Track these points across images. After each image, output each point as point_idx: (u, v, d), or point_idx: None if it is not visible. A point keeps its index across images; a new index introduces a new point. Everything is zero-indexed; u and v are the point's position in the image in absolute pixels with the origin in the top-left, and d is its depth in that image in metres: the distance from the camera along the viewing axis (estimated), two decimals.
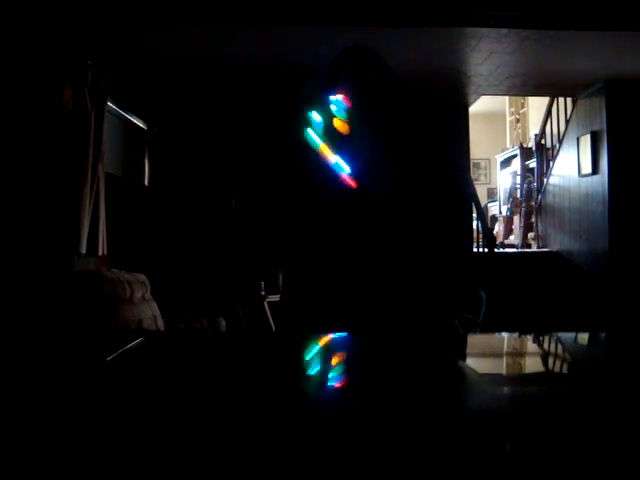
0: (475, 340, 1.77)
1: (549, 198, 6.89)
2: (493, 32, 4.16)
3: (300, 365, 1.25)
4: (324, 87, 1.82)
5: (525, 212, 7.59)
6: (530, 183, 7.56)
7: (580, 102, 6.00)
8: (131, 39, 4.30)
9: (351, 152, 1.81)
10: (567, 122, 6.33)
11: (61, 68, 3.86)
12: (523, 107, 8.97)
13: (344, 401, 0.92)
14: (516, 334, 1.76)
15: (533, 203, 7.33)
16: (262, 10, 3.74)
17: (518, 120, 9.16)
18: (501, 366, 1.29)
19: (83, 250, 3.90)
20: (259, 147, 6.00)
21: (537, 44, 4.38)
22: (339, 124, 1.85)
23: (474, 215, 6.50)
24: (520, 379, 1.14)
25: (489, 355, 1.38)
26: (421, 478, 0.62)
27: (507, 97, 8.91)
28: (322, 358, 1.34)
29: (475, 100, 6.20)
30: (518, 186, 7.98)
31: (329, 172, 1.88)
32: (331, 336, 1.67)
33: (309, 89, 1.93)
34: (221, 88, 5.65)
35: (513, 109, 9.32)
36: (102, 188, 4.12)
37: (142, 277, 4.16)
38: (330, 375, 1.17)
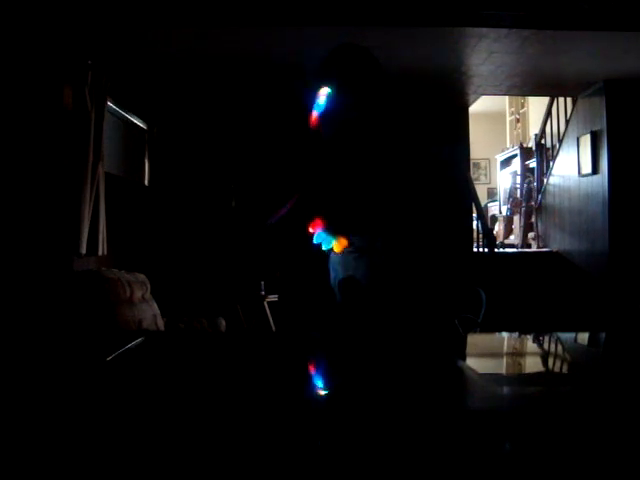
0: (475, 340, 1.77)
1: (549, 198, 6.89)
2: (493, 32, 4.16)
3: (300, 365, 1.25)
4: (316, 85, 1.83)
5: (525, 212, 7.59)
6: (530, 183, 7.56)
7: (580, 102, 6.00)
8: (131, 39, 4.30)
9: (346, 150, 1.81)
10: (567, 122, 6.33)
11: (61, 68, 3.86)
12: (523, 107, 8.97)
13: (346, 400, 0.92)
14: (516, 334, 1.76)
15: (533, 203, 7.33)
16: (262, 10, 3.74)
17: (518, 120, 9.16)
18: (501, 366, 1.29)
19: (83, 250, 3.90)
20: (259, 147, 6.00)
21: (537, 44, 4.37)
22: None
23: (474, 215, 6.50)
24: (520, 379, 1.14)
25: (489, 355, 1.38)
26: (421, 478, 0.62)
27: (507, 97, 8.91)
28: (322, 358, 1.34)
29: (475, 100, 6.20)
30: (518, 186, 7.98)
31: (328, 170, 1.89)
32: (331, 336, 1.67)
33: (308, 88, 1.93)
34: (221, 88, 5.65)
35: (513, 109, 9.32)
36: (102, 188, 4.12)
37: (142, 277, 4.15)
38: (330, 375, 1.17)
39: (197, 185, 6.05)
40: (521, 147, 8.02)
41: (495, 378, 1.13)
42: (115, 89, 4.52)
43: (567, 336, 1.59)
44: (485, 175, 10.57)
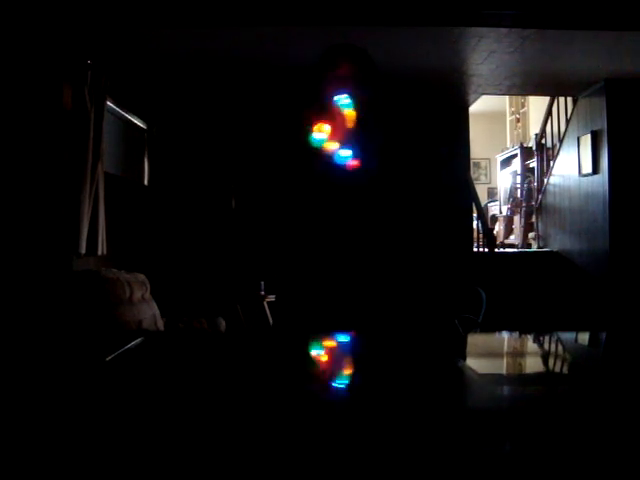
0: (475, 340, 1.77)
1: (549, 198, 6.89)
2: (493, 32, 4.16)
3: (301, 365, 1.24)
4: (312, 85, 1.83)
5: (525, 212, 7.59)
6: (530, 183, 7.56)
7: (580, 102, 6.00)
8: (131, 39, 4.29)
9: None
10: (567, 122, 6.32)
11: (61, 68, 3.86)
12: (523, 107, 8.97)
13: (346, 400, 0.91)
14: (516, 334, 1.76)
15: (533, 203, 7.32)
16: (262, 10, 3.73)
17: (518, 120, 9.16)
18: (501, 366, 1.29)
19: (82, 250, 3.89)
20: (259, 147, 6.00)
21: (537, 44, 4.37)
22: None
23: (474, 215, 6.50)
24: (520, 379, 1.14)
25: (489, 355, 1.38)
26: (422, 477, 0.62)
27: (507, 97, 8.91)
28: (324, 358, 1.34)
29: (475, 100, 6.20)
30: (518, 186, 7.98)
31: (328, 171, 1.89)
32: (332, 336, 1.67)
33: (307, 88, 1.93)
34: (221, 88, 5.65)
35: (513, 108, 9.32)
36: (102, 188, 4.12)
37: (142, 277, 4.15)
38: (332, 375, 1.16)
39: (197, 185, 6.05)
40: (521, 147, 8.02)
41: (495, 378, 1.12)
42: (115, 89, 4.51)
43: (567, 336, 1.59)
44: (485, 175, 10.56)
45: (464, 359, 1.35)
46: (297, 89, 4.90)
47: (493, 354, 1.40)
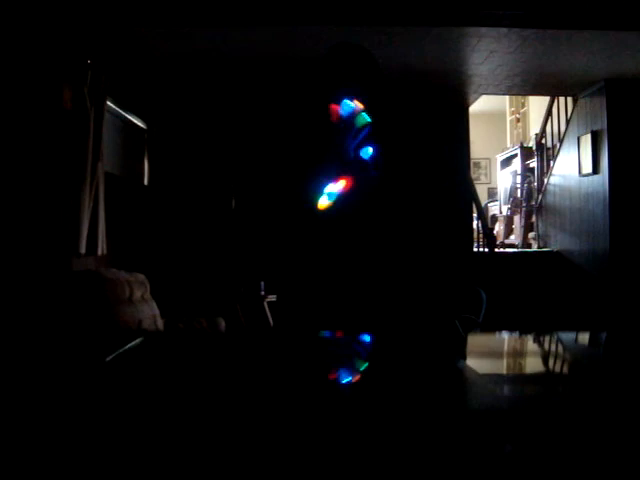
0: (475, 340, 1.77)
1: (549, 198, 6.89)
2: (493, 32, 4.16)
3: (301, 365, 1.24)
4: (313, 84, 1.83)
5: (525, 212, 7.59)
6: (530, 183, 7.56)
7: (581, 101, 6.00)
8: (131, 39, 4.29)
9: (343, 149, 1.82)
10: (567, 122, 6.32)
11: (60, 67, 3.86)
12: (523, 106, 8.97)
13: (346, 401, 0.91)
14: (516, 334, 1.76)
15: (533, 203, 7.33)
16: (262, 10, 3.73)
17: (518, 119, 9.16)
18: (501, 366, 1.29)
19: (82, 250, 3.89)
20: (259, 147, 6.00)
21: (537, 44, 4.37)
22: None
23: (474, 215, 6.50)
24: (520, 379, 1.14)
25: (489, 355, 1.38)
26: (422, 477, 0.62)
27: (507, 97, 8.91)
28: (323, 358, 1.33)
29: (475, 100, 6.20)
30: (518, 186, 7.98)
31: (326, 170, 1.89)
32: (332, 336, 1.67)
33: (308, 87, 1.93)
34: (221, 87, 5.65)
35: (513, 108, 9.32)
36: (101, 188, 4.12)
37: (142, 277, 4.15)
38: (332, 375, 1.16)
39: (197, 185, 6.05)
40: (521, 147, 8.02)
41: (495, 378, 1.12)
42: (114, 89, 4.51)
43: (567, 336, 1.59)
44: (485, 175, 10.57)
45: (464, 359, 1.35)
46: (297, 89, 4.90)
47: (493, 354, 1.40)
